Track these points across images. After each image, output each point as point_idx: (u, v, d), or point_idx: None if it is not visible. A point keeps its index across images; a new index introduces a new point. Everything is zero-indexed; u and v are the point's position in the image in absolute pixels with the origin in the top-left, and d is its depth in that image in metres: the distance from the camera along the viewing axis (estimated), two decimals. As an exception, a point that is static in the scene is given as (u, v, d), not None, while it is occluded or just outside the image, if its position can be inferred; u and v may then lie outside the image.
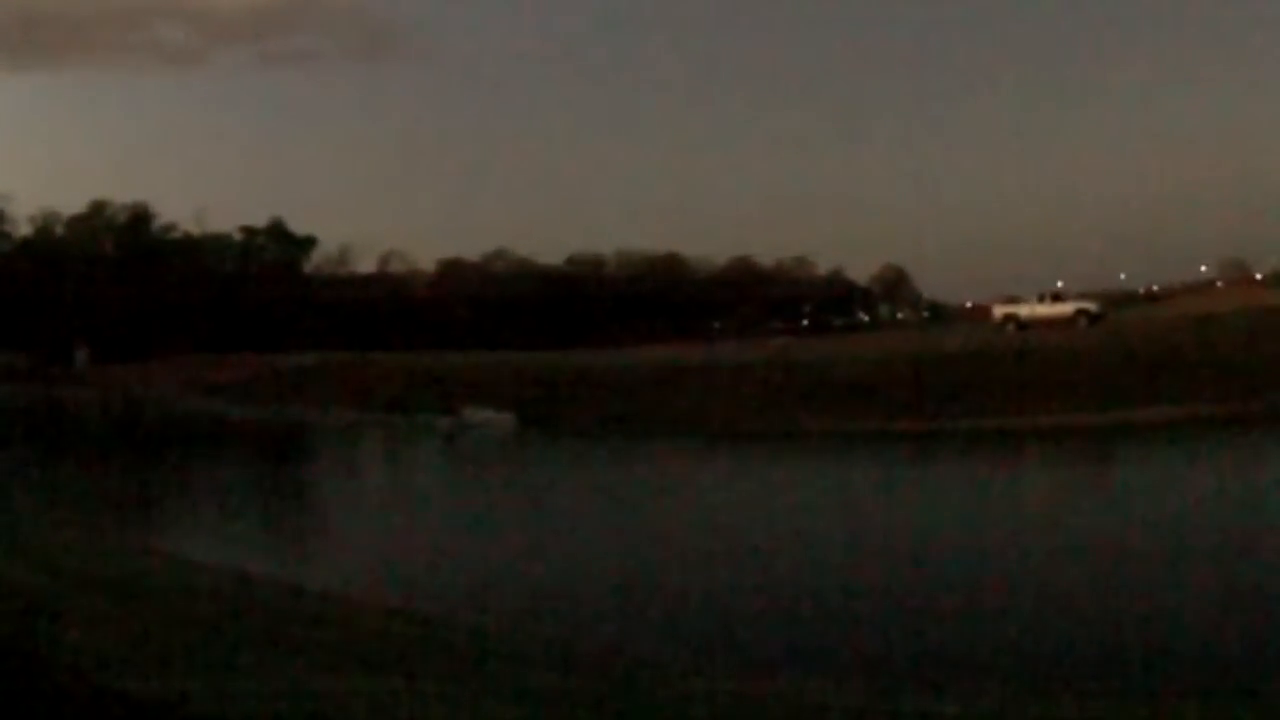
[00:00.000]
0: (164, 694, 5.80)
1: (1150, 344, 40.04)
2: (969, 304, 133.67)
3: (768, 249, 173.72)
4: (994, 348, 42.53)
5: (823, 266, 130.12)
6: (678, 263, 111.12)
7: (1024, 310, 50.40)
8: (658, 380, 44.57)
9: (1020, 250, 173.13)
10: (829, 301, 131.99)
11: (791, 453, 33.05)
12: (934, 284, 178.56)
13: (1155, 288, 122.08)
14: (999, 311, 51.85)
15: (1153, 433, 30.82)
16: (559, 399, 43.75)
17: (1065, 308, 50.25)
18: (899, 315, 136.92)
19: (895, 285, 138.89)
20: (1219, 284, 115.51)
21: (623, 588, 14.87)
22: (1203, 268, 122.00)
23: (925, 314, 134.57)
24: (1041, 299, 51.62)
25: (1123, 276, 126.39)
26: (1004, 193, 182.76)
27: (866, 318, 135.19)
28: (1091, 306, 51.17)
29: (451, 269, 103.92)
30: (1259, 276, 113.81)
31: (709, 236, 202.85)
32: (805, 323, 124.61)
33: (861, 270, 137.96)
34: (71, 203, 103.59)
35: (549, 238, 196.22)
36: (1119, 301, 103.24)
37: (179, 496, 27.17)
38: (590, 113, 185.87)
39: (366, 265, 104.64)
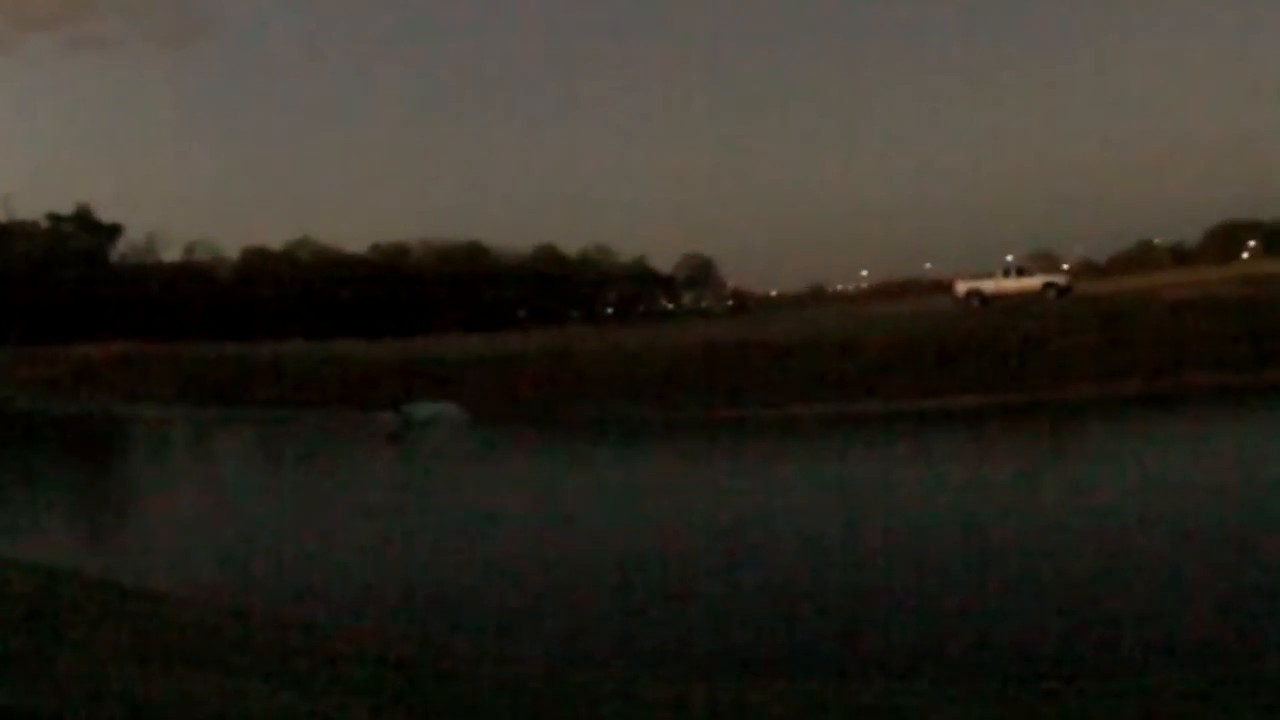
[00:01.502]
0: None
1: (946, 334, 41.00)
2: (774, 293, 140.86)
3: (572, 238, 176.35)
4: (818, 337, 43.51)
5: (626, 255, 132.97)
6: (481, 251, 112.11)
7: (989, 285, 49.95)
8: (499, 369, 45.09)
9: (824, 242, 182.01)
10: (633, 290, 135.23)
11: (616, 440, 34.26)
12: (739, 273, 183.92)
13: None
14: (962, 287, 51.18)
15: (936, 420, 32.37)
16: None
17: (1033, 281, 50.08)
18: (703, 304, 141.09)
19: (700, 274, 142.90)
20: None
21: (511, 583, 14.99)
22: (1009, 258, 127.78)
23: (729, 303, 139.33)
24: (1007, 273, 51.27)
25: (928, 267, 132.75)
26: (810, 184, 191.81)
27: (671, 306, 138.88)
28: (1060, 280, 50.99)
29: (255, 257, 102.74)
30: (1065, 267, 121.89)
31: (515, 225, 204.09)
32: (609, 311, 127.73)
33: (665, 259, 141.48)
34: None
35: (355, 226, 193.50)
36: (924, 293, 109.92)
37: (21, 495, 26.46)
38: (398, 101, 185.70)
39: (174, 254, 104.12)
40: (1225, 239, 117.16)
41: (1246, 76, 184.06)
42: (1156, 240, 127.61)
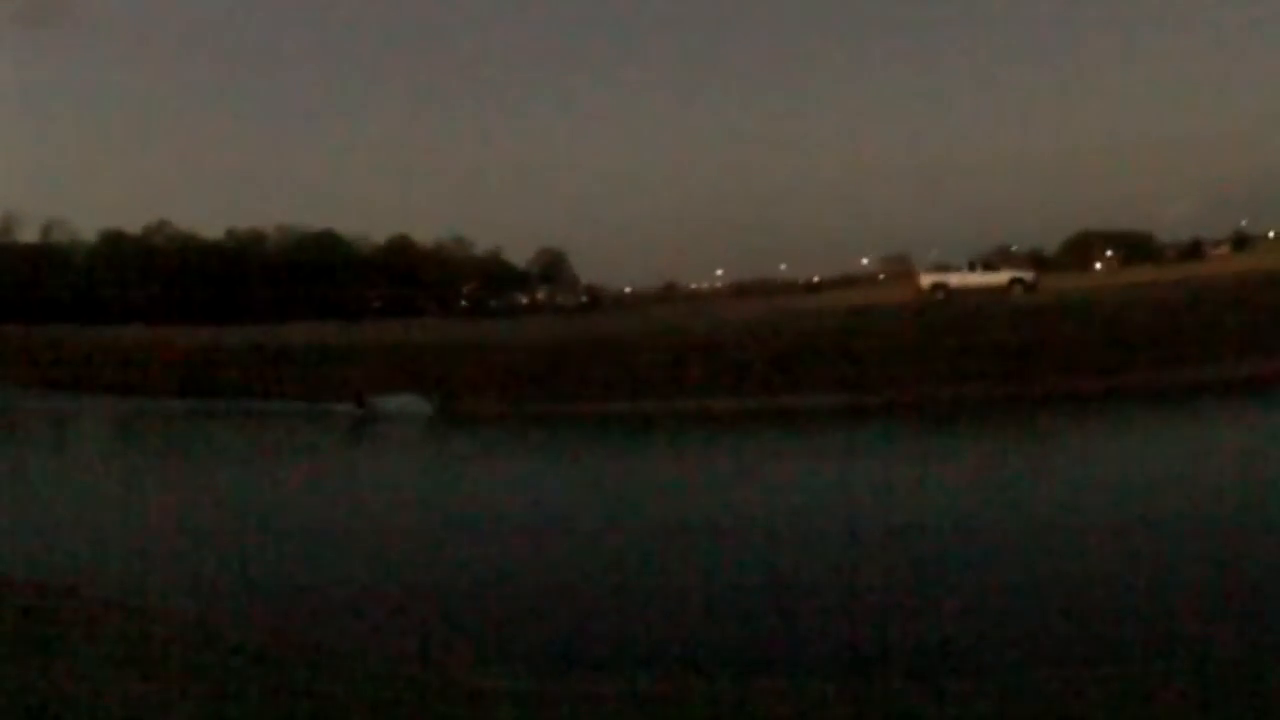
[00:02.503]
0: None
1: (807, 333, 42.41)
2: (627, 290, 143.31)
3: (427, 229, 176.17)
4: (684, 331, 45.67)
5: (481, 248, 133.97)
6: (335, 240, 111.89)
7: (954, 279, 50.24)
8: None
9: (681, 239, 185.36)
10: (487, 283, 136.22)
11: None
12: (592, 269, 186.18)
13: (816, 279, 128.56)
14: (926, 280, 51.50)
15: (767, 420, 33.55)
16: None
17: (1000, 276, 50.35)
18: (558, 300, 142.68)
19: (554, 269, 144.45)
20: (881, 277, 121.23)
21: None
22: (865, 261, 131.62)
23: (583, 299, 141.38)
24: (973, 267, 51.49)
25: (783, 267, 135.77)
26: (665, 181, 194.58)
27: (525, 300, 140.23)
28: (1027, 275, 51.37)
29: (112, 241, 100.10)
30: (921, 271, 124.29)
31: (370, 214, 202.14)
32: (464, 304, 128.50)
33: (520, 253, 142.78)
34: None
35: (213, 211, 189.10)
36: (777, 291, 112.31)
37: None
38: (259, 86, 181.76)
39: (30, 235, 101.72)
40: (1082, 248, 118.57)
41: (1116, 86, 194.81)
42: (1014, 247, 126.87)
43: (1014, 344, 36.64)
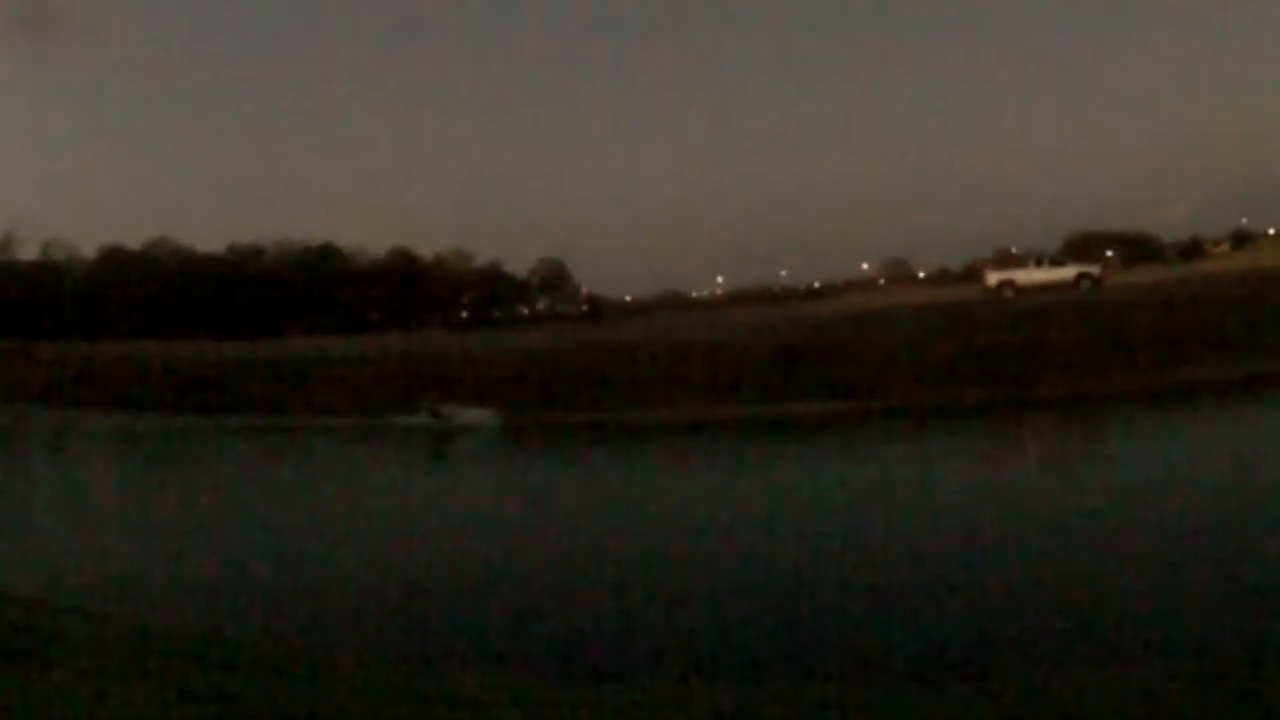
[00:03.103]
0: None
1: (811, 338, 43.19)
2: (628, 298, 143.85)
3: (427, 241, 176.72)
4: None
5: (481, 259, 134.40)
6: (334, 253, 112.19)
7: (1020, 276, 49.89)
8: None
9: (681, 247, 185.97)
10: (487, 294, 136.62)
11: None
12: (593, 278, 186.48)
13: (817, 284, 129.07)
14: (993, 277, 51.07)
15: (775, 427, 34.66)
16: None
17: (1066, 272, 49.83)
18: (558, 309, 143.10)
19: (554, 278, 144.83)
20: (881, 282, 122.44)
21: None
22: (865, 266, 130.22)
23: (584, 308, 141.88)
24: (1039, 263, 51.10)
25: (784, 273, 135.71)
26: (666, 190, 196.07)
27: (526, 311, 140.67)
28: (1094, 270, 51.09)
29: (112, 256, 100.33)
30: (921, 275, 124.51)
31: (369, 228, 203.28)
32: (464, 315, 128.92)
33: (520, 264, 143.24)
34: None
35: (213, 226, 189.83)
36: (777, 298, 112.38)
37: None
38: (256, 101, 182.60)
39: (30, 252, 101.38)
40: (1083, 248, 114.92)
41: (1100, 91, 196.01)
42: (1014, 249, 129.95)
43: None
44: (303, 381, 43.57)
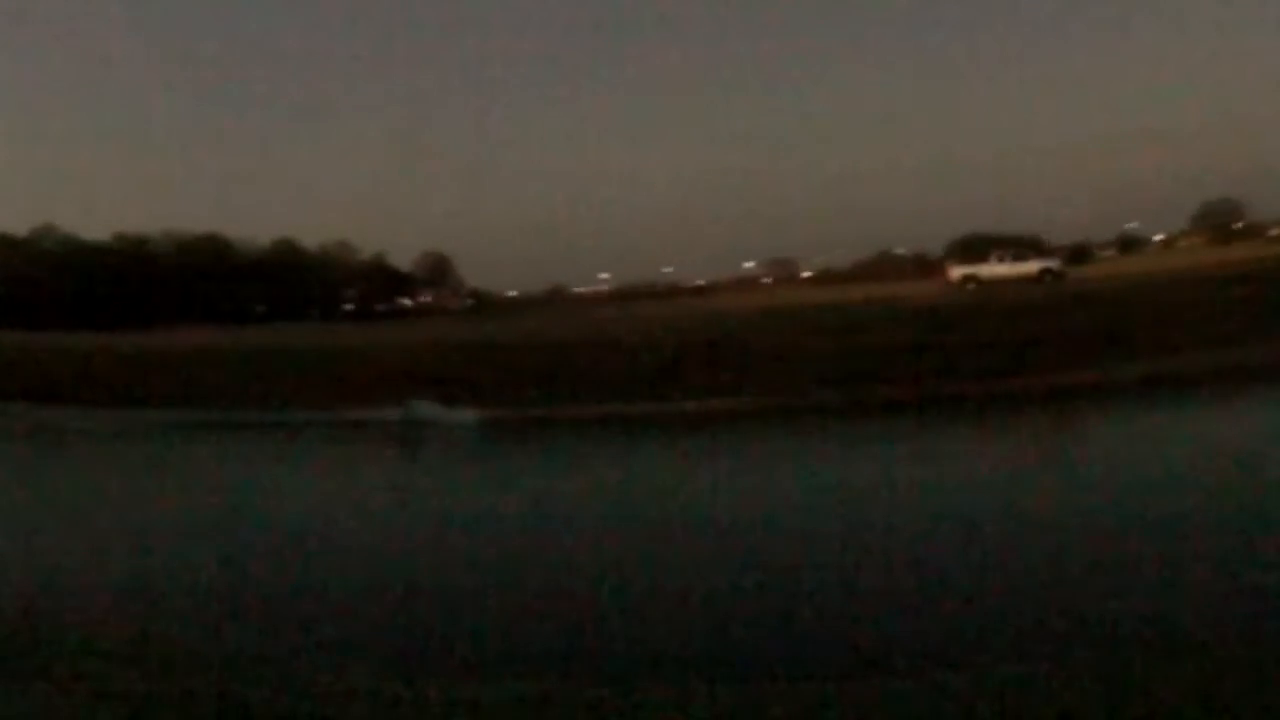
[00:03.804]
0: None
1: (697, 336, 43.07)
2: (513, 294, 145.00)
3: (312, 232, 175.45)
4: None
5: (366, 252, 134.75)
6: (220, 244, 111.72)
7: (984, 270, 50.51)
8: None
9: (564, 243, 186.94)
10: (371, 287, 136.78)
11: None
12: (477, 273, 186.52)
13: (701, 282, 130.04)
14: (957, 272, 51.78)
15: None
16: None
17: (1030, 266, 50.46)
18: (443, 303, 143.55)
19: (438, 273, 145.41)
20: (765, 280, 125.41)
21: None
22: (749, 264, 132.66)
23: (468, 302, 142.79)
24: (1001, 259, 51.61)
25: (668, 270, 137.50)
26: (549, 185, 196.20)
27: (410, 304, 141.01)
28: (1054, 264, 51.89)
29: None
30: (806, 274, 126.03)
31: (255, 218, 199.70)
32: (349, 308, 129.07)
33: (404, 257, 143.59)
34: None
35: (100, 214, 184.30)
36: (664, 294, 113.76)
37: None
38: (146, 88, 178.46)
39: None
40: (967, 252, 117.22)
41: (991, 94, 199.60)
42: (899, 249, 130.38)
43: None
44: (238, 373, 43.33)
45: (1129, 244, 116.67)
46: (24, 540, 19.06)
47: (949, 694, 8.60)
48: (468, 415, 36.34)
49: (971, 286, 49.28)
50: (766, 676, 10.17)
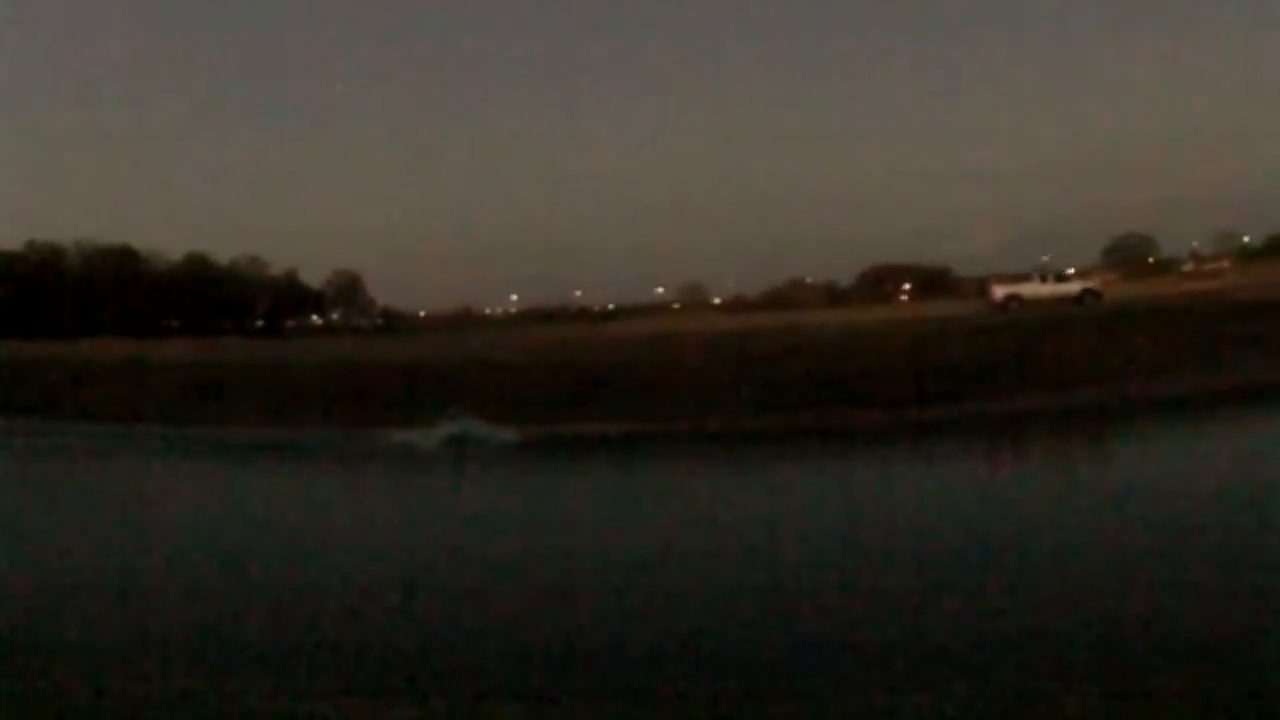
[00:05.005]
0: None
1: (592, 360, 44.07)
2: (422, 314, 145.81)
3: (224, 246, 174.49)
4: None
5: (278, 268, 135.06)
6: (132, 256, 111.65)
7: (1027, 290, 51.69)
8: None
9: (475, 264, 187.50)
10: (282, 304, 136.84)
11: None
12: (387, 292, 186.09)
13: (611, 306, 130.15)
14: (1000, 291, 52.45)
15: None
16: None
17: (1071, 287, 52.07)
18: (353, 321, 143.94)
19: (348, 291, 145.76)
20: (676, 306, 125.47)
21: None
22: (659, 290, 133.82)
23: (379, 321, 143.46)
24: (1044, 279, 53.00)
25: (578, 294, 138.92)
26: (458, 206, 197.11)
27: (320, 322, 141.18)
28: (1095, 286, 53.55)
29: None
30: (716, 301, 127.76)
31: (169, 231, 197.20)
32: (259, 324, 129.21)
33: (315, 274, 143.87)
34: None
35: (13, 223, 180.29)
36: (574, 318, 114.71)
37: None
38: (62, 96, 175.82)
39: None
40: (877, 281, 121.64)
41: (900, 124, 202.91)
42: (809, 279, 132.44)
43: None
44: (209, 389, 44.02)
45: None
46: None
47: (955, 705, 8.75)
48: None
49: (1015, 306, 50.58)
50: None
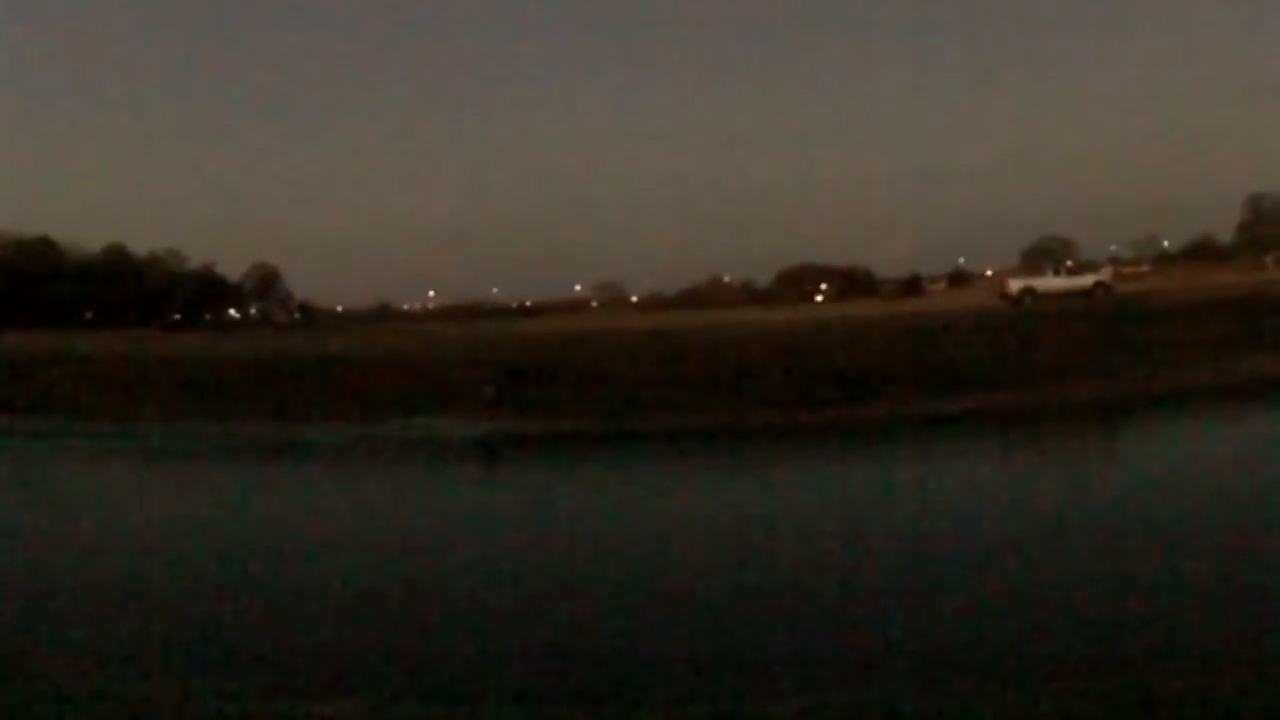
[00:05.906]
0: None
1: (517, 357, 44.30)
2: (340, 308, 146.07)
3: (141, 238, 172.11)
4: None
5: (195, 260, 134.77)
6: (50, 247, 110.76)
7: (1041, 283, 53.30)
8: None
9: (391, 260, 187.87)
10: (199, 297, 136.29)
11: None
12: (304, 286, 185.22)
13: (529, 303, 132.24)
14: (1015, 285, 53.81)
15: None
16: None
17: (1084, 280, 53.51)
18: (271, 315, 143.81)
19: (266, 284, 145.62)
20: (594, 304, 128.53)
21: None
22: (578, 287, 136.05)
23: (297, 315, 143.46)
24: (1058, 272, 55.10)
25: (495, 291, 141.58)
26: (376, 202, 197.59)
27: (238, 315, 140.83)
28: (1107, 279, 54.77)
29: None
30: (634, 299, 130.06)
31: (86, 221, 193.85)
32: (176, 317, 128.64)
33: (233, 267, 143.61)
34: None
35: None
36: (489, 315, 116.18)
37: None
38: None
39: None
40: (797, 281, 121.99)
41: (819, 125, 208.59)
42: (727, 278, 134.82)
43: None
44: (190, 383, 44.12)
45: (958, 278, 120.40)
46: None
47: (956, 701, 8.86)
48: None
49: (1028, 299, 51.92)
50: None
